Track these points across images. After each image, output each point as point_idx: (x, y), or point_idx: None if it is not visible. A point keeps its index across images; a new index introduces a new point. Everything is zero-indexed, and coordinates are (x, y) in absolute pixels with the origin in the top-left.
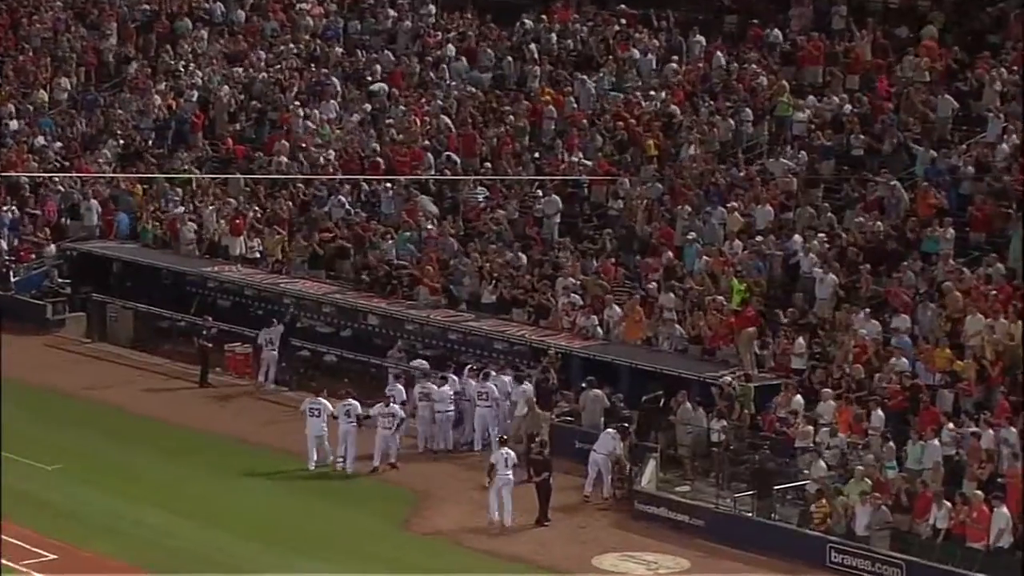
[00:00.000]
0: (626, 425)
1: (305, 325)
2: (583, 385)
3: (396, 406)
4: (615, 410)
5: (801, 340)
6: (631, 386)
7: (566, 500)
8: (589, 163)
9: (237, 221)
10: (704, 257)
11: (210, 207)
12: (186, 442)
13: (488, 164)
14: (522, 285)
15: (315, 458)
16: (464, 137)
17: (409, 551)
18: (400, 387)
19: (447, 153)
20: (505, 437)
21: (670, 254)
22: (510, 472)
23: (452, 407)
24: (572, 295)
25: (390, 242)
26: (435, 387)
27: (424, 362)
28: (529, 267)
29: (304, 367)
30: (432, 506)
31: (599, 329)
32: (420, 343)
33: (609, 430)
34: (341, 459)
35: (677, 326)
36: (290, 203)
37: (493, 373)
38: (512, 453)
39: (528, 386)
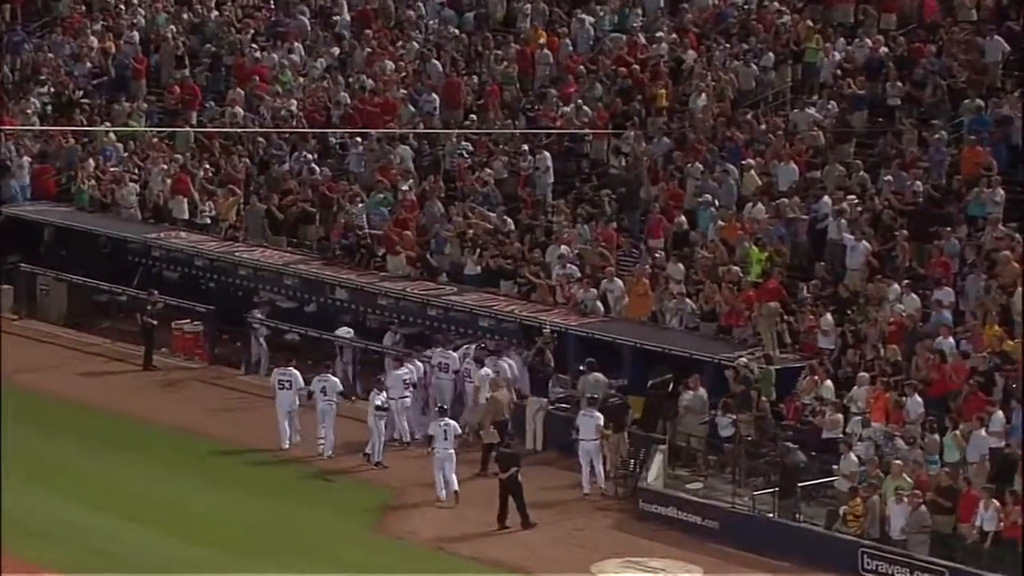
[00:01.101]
0: (613, 394)
1: (264, 299)
2: (580, 368)
3: (384, 395)
4: (604, 398)
5: (829, 316)
6: (635, 369)
7: (561, 498)
8: (588, 114)
9: (183, 180)
10: (719, 222)
11: (161, 165)
12: (129, 434)
13: (473, 116)
14: (511, 254)
15: (288, 434)
16: (445, 85)
17: (381, 556)
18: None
19: (426, 103)
20: (446, 407)
21: (680, 218)
22: (451, 445)
23: (408, 393)
24: (568, 265)
25: (361, 205)
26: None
27: (350, 330)
28: (519, 233)
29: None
30: (410, 506)
31: (599, 304)
32: (395, 319)
33: (585, 412)
34: (322, 441)
35: (688, 301)
36: (247, 160)
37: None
38: (454, 424)
39: (488, 370)
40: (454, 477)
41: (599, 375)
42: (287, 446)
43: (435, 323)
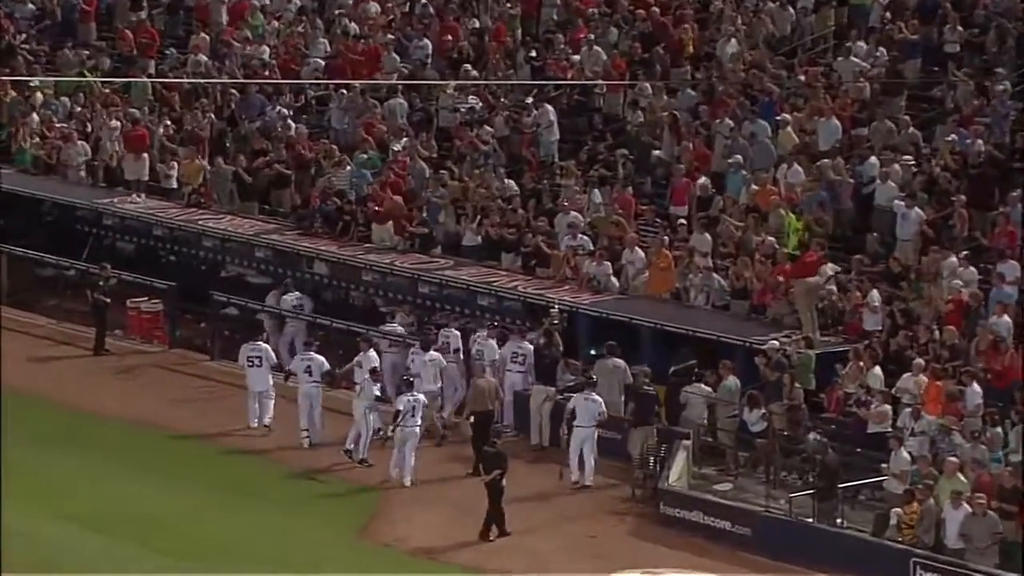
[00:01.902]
0: (646, 383)
1: (232, 274)
2: (592, 352)
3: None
4: (637, 387)
5: (876, 293)
6: (655, 353)
7: (570, 500)
8: (601, 63)
9: (139, 138)
10: (751, 186)
11: (114, 122)
12: (79, 427)
13: (469, 65)
14: (514, 223)
15: (259, 416)
16: (440, 29)
17: (365, 564)
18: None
19: (416, 49)
20: (411, 379)
21: (706, 182)
22: (419, 424)
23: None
24: (579, 236)
25: (345, 168)
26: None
27: (299, 294)
28: (523, 199)
29: (230, 329)
30: (399, 509)
31: (613, 280)
32: (381, 297)
33: (585, 395)
34: (305, 432)
35: (715, 276)
36: (212, 116)
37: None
38: (423, 398)
39: (436, 354)
40: (413, 456)
41: (619, 360)
42: (255, 425)
43: (427, 301)
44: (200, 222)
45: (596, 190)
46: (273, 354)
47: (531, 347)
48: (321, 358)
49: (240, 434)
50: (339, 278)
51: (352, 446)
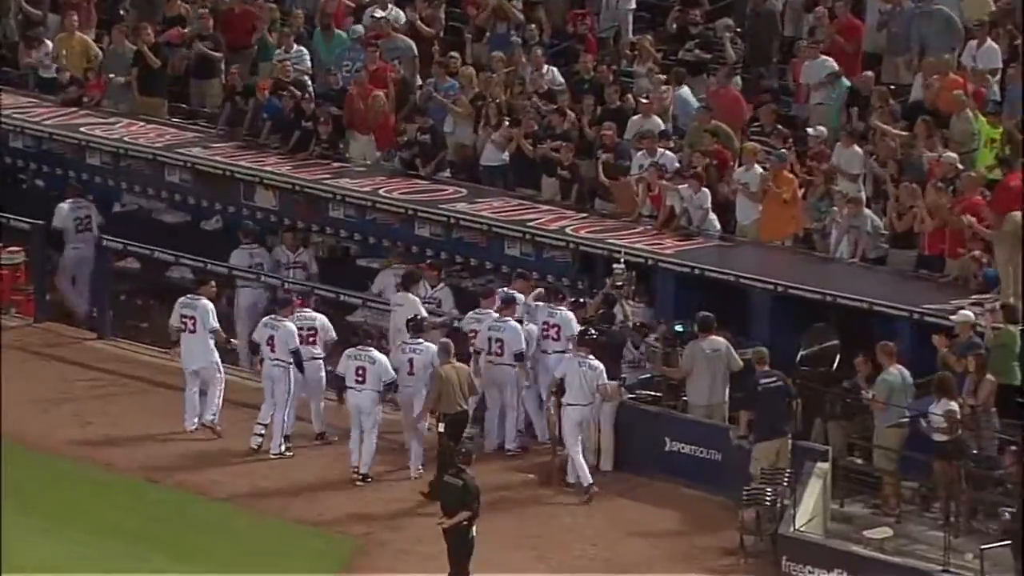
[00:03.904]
0: (768, 373)
1: (131, 208)
2: (679, 329)
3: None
4: (756, 380)
5: None
6: (774, 330)
7: (651, 550)
8: None
9: None
10: (932, 78)
11: None
12: None
13: None
14: (560, 132)
15: (196, 411)
16: None
17: None
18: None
19: None
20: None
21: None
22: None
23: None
24: (659, 151)
25: (308, 49)
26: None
27: (81, 201)
28: (574, 96)
29: (128, 292)
30: (381, 559)
31: (713, 218)
32: (357, 241)
33: (576, 360)
34: (261, 428)
35: (867, 212)
36: None
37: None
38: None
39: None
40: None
41: (718, 340)
42: (191, 428)
43: (427, 248)
44: (83, 129)
45: (686, 83)
46: (211, 313)
47: (569, 315)
48: (291, 327)
49: (148, 444)
50: (293, 213)
51: (357, 459)
